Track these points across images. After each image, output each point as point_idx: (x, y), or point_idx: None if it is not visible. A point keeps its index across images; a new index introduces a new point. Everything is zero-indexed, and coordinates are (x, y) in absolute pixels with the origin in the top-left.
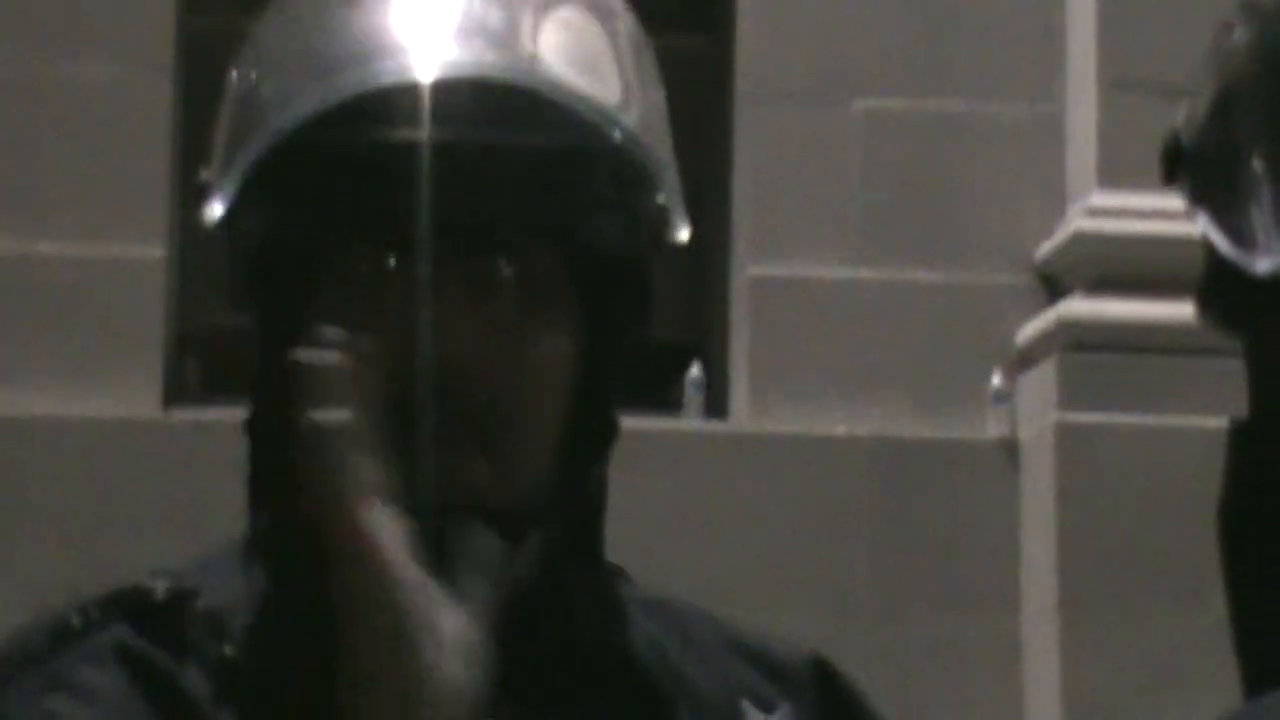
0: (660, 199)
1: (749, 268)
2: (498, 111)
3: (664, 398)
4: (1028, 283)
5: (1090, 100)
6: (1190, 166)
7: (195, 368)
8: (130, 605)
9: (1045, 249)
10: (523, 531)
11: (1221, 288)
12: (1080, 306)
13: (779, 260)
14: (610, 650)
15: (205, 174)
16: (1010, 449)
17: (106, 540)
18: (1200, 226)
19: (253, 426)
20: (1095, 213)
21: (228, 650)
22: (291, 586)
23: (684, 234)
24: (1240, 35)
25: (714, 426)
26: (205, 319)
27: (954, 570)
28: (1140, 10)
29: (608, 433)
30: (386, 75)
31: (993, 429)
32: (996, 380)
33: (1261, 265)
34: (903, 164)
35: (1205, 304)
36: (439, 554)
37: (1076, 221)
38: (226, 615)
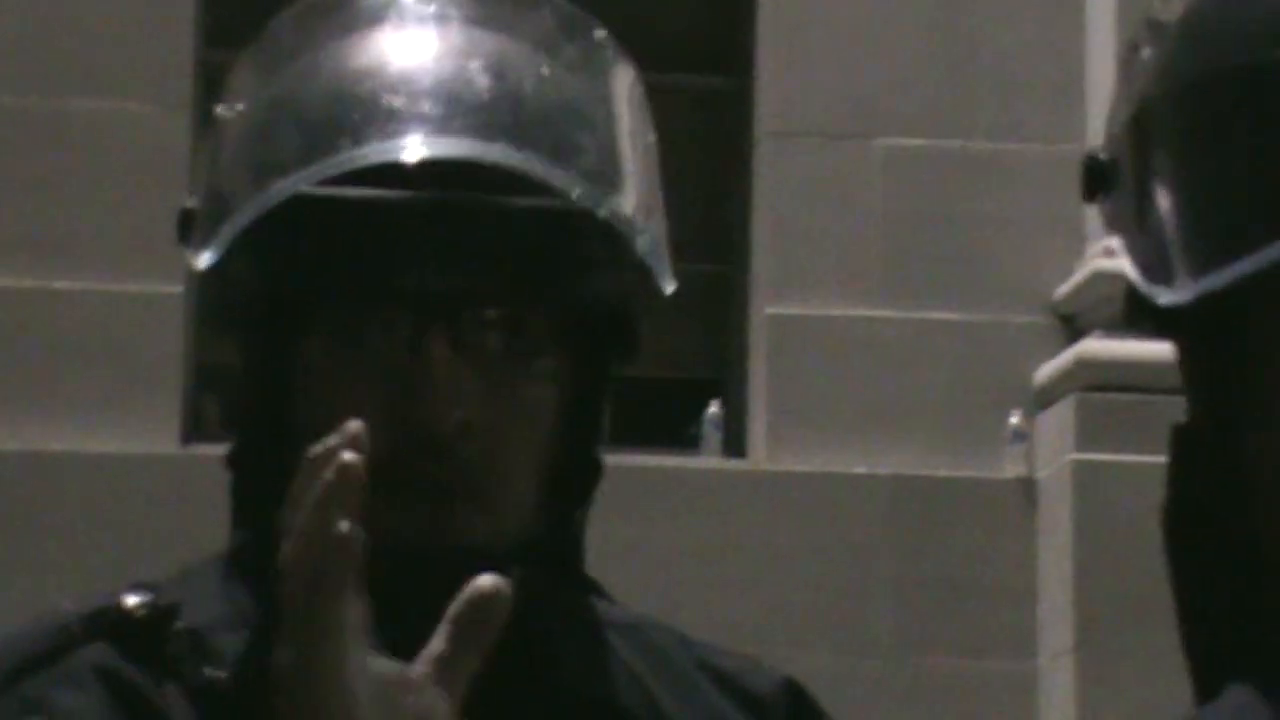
0: (643, 258)
1: (767, 306)
2: (483, 181)
3: (681, 435)
4: (1046, 322)
5: None
6: (1105, 189)
7: (213, 403)
8: (110, 623)
9: (1064, 288)
10: (507, 571)
11: (1142, 309)
12: (1099, 346)
13: (798, 299)
14: (593, 694)
15: (190, 202)
16: (1028, 488)
17: (125, 574)
18: (1116, 249)
19: (236, 458)
20: (1114, 253)
21: (207, 671)
22: (272, 606)
23: (669, 288)
24: (1147, 54)
25: (732, 464)
26: (223, 355)
27: (972, 610)
28: None
29: (593, 475)
30: (378, 154)
31: (1010, 468)
32: (1014, 419)
33: (1165, 297)
34: (922, 203)
35: (1131, 322)
36: (431, 599)
37: (1095, 261)
38: (207, 633)
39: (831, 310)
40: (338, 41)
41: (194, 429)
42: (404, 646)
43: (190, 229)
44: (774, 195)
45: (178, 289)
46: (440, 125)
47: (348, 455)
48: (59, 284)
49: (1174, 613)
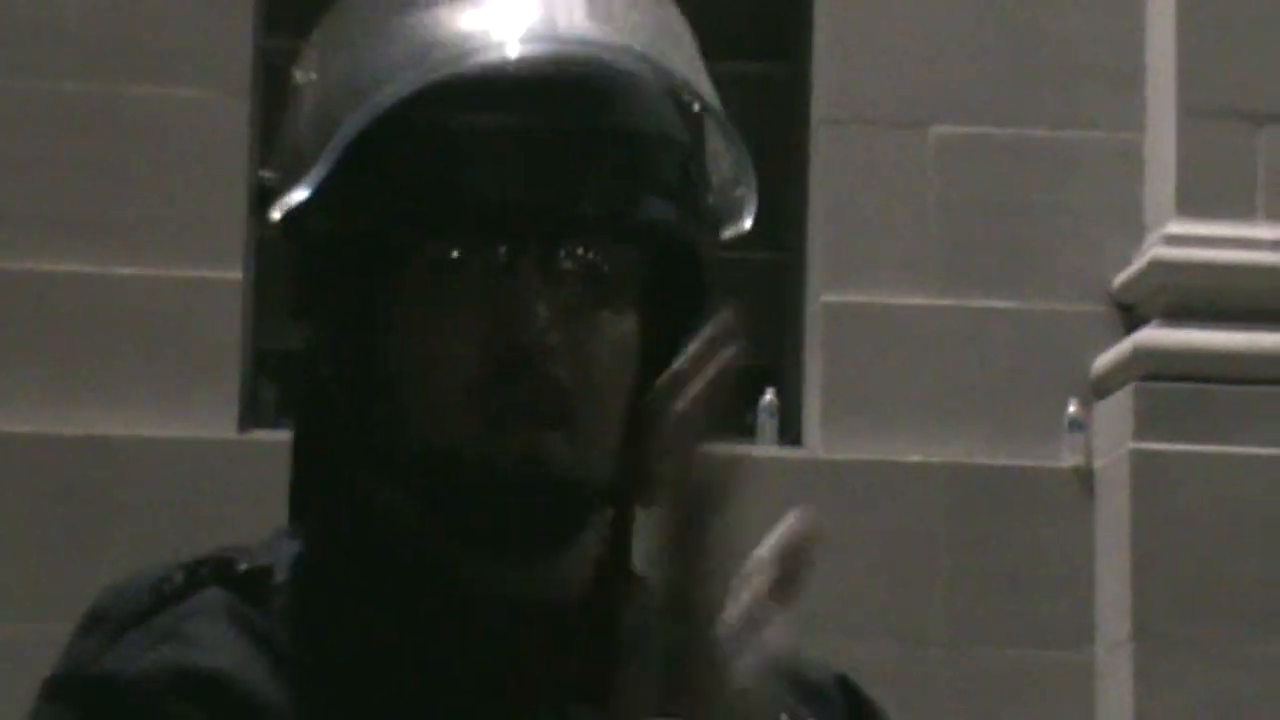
0: (729, 176)
1: (823, 294)
2: (575, 103)
3: (737, 424)
4: (1104, 311)
5: (1169, 128)
6: None
7: (271, 389)
8: (219, 572)
9: (1122, 277)
10: (590, 504)
11: None
12: (1157, 335)
13: (854, 286)
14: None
15: (266, 174)
16: (1085, 478)
17: (187, 555)
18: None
19: (306, 429)
20: (1173, 240)
21: (305, 622)
22: (341, 574)
23: (748, 218)
24: None
25: (787, 453)
26: (282, 341)
27: (1028, 599)
28: (1219, 39)
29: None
30: (482, 54)
31: (1068, 457)
32: (1072, 408)
33: None
34: (979, 191)
35: None
36: (519, 524)
37: (1154, 250)
38: (300, 592)
39: (887, 298)
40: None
41: (251, 415)
42: (495, 580)
43: (269, 198)
44: (829, 183)
45: (237, 275)
46: (537, 33)
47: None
48: (120, 270)
49: (1233, 604)
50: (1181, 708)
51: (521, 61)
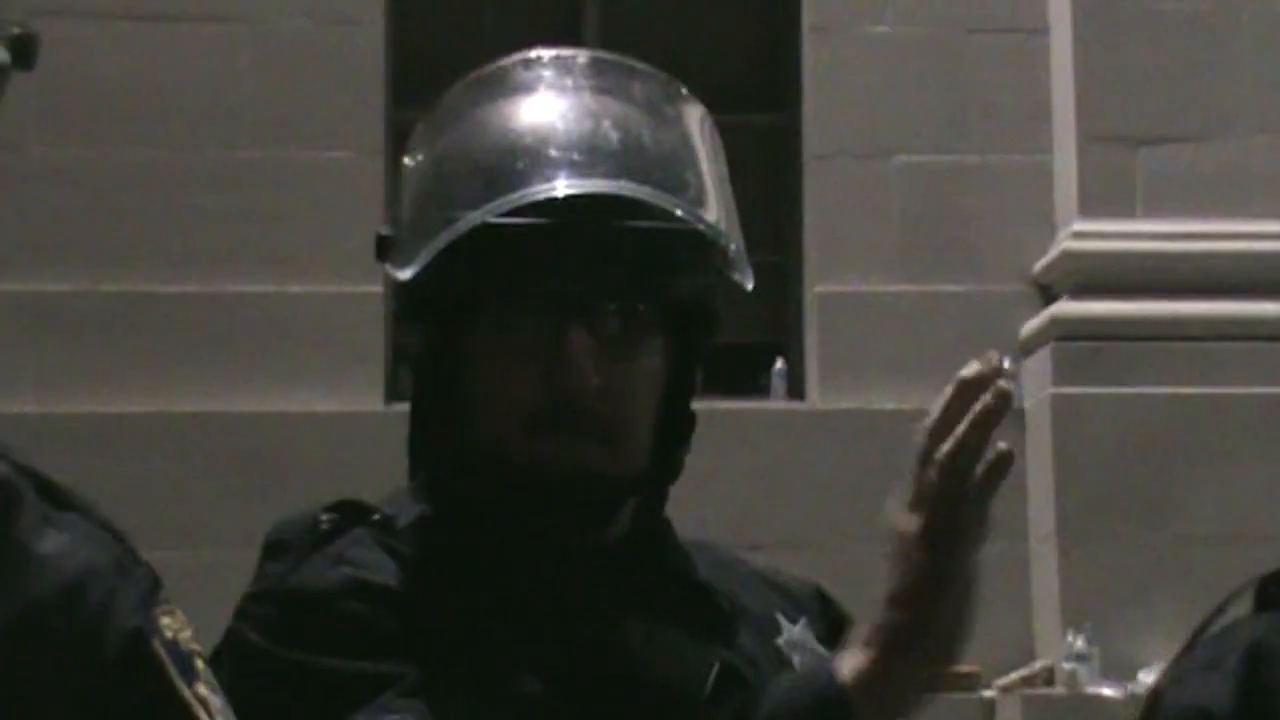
0: (729, 270)
1: (817, 285)
2: (614, 209)
3: (754, 386)
4: (1027, 290)
5: (1071, 151)
6: None
7: (406, 373)
8: (357, 517)
9: (1040, 264)
10: (625, 498)
11: None
12: (1068, 307)
13: (840, 279)
14: (692, 580)
15: (384, 230)
16: (1017, 415)
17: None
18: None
19: (416, 419)
20: (1078, 236)
21: (428, 556)
22: (458, 527)
23: (749, 283)
24: None
25: (794, 406)
26: (412, 337)
27: None
28: (1107, 84)
29: (690, 422)
30: (539, 194)
31: None
32: (1006, 364)
33: None
34: (929, 203)
35: None
36: (573, 515)
37: (1064, 243)
38: (419, 533)
39: (865, 286)
40: (499, 105)
41: (394, 393)
42: (549, 547)
43: (386, 250)
44: (818, 202)
45: (378, 289)
46: (583, 170)
47: (1002, 383)
48: (291, 288)
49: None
50: (1095, 584)
51: (566, 198)
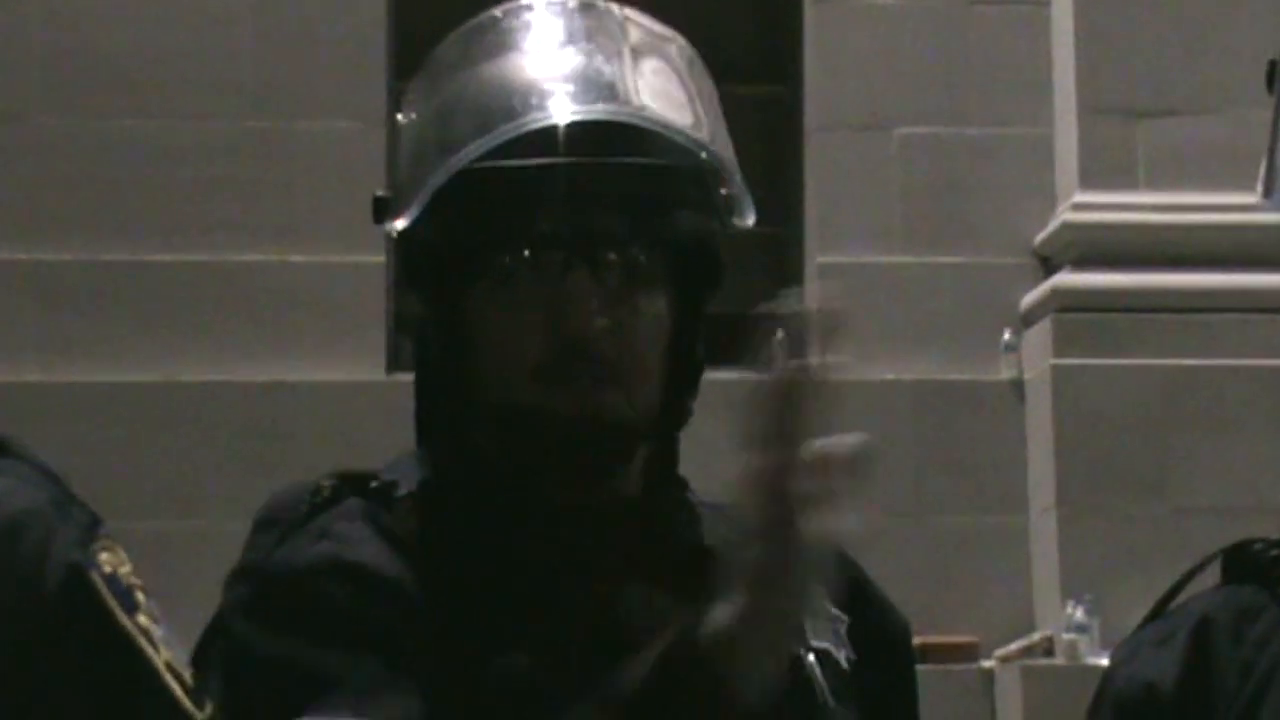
0: (728, 190)
1: (818, 256)
2: (610, 145)
3: (755, 357)
4: (1028, 262)
5: (1072, 123)
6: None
7: (407, 343)
8: (355, 486)
9: (1041, 236)
10: (639, 443)
11: None
12: (1068, 279)
13: (840, 250)
14: (698, 545)
15: (380, 192)
16: (1018, 387)
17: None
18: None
19: (422, 365)
20: (1078, 208)
21: (423, 524)
22: (462, 491)
23: (750, 219)
24: None
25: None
26: (413, 307)
27: (976, 479)
28: (1107, 55)
29: (697, 368)
30: (535, 122)
31: (1005, 372)
32: (1007, 335)
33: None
34: (930, 176)
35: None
36: (587, 459)
37: (1064, 215)
38: (418, 501)
39: (865, 258)
40: (490, 52)
41: (395, 362)
42: (564, 495)
43: (384, 210)
44: (819, 173)
45: (380, 258)
46: (580, 99)
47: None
48: (293, 257)
49: (1128, 477)
50: (1094, 555)
51: (568, 126)
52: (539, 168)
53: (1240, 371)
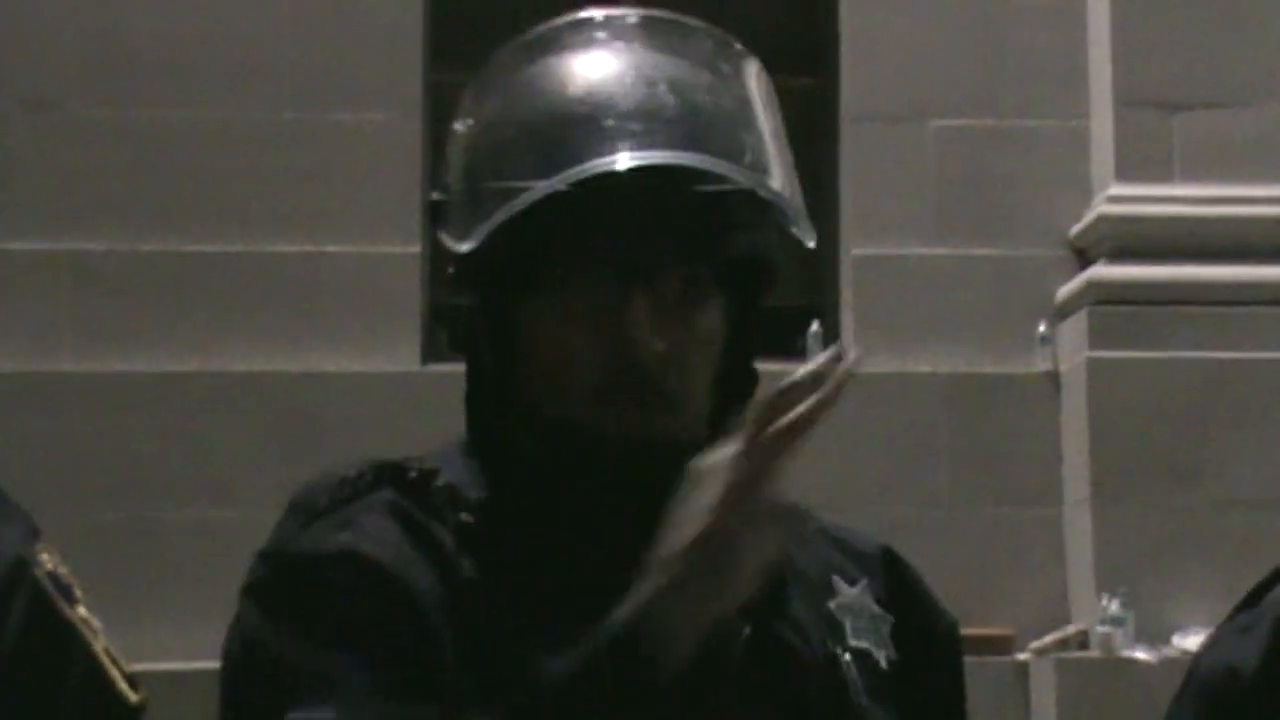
0: (789, 226)
1: (854, 248)
2: (673, 178)
3: (791, 348)
4: (1064, 254)
5: (1108, 115)
6: None
7: (444, 334)
8: (391, 476)
9: (1077, 228)
10: (686, 456)
11: None
12: (1104, 271)
13: (876, 242)
14: None
15: (436, 195)
16: (1053, 379)
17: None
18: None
19: (473, 372)
20: (1114, 200)
21: (463, 516)
22: (509, 476)
23: (811, 242)
24: None
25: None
26: (451, 298)
27: (1011, 471)
28: (1143, 49)
29: (751, 382)
30: (598, 168)
31: (1040, 364)
32: (1042, 328)
33: None
34: (966, 167)
35: None
36: (640, 477)
37: (1100, 207)
38: (460, 490)
39: (901, 250)
40: (551, 69)
41: (430, 353)
42: (616, 512)
43: (440, 217)
44: (855, 165)
45: (416, 249)
46: (642, 139)
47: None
48: (330, 248)
49: (1163, 469)
50: (1129, 547)
51: (627, 172)
52: (603, 197)
53: (1276, 364)
